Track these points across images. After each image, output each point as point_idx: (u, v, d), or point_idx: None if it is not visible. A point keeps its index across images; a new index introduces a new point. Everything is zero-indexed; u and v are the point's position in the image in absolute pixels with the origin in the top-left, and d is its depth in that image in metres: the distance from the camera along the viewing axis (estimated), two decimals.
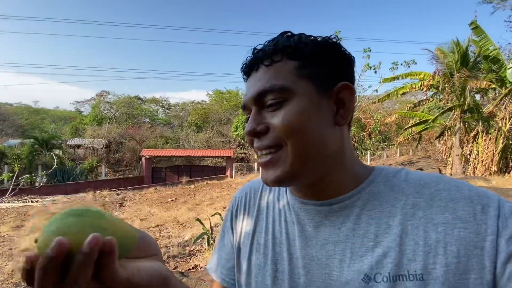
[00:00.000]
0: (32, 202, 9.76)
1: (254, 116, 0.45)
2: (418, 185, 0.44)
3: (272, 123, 0.44)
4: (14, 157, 16.26)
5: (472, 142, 10.89)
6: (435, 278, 0.37)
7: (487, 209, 0.39)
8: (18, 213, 8.05)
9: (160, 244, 5.25)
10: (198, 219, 4.79)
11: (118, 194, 11.34)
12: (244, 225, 0.57)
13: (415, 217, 0.42)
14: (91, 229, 0.27)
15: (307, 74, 0.44)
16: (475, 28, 9.51)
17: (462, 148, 11.05)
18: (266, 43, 0.48)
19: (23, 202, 9.64)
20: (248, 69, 0.49)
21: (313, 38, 0.46)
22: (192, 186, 13.23)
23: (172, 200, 10.31)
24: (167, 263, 4.38)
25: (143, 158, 18.67)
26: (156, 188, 12.93)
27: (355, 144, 18.98)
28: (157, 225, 6.86)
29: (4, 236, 6.06)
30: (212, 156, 20.31)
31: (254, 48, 0.48)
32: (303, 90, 0.44)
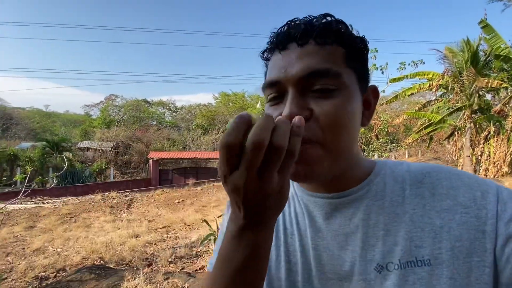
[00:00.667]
0: (43, 203, 9.96)
1: (297, 99, 0.39)
2: (421, 175, 0.45)
3: (317, 111, 0.39)
4: (26, 159, 16.66)
5: (483, 143, 10.66)
6: (441, 262, 0.38)
7: (486, 194, 0.40)
8: (30, 214, 8.23)
9: (167, 245, 5.29)
10: (205, 220, 4.81)
11: (126, 196, 11.47)
12: None
13: (420, 206, 0.43)
14: None
15: (354, 67, 0.42)
16: (485, 26, 9.33)
17: (473, 149, 10.82)
18: (311, 19, 0.43)
19: (35, 203, 9.86)
20: (288, 40, 0.42)
21: (352, 28, 0.45)
22: (199, 188, 13.29)
23: (179, 202, 10.38)
24: (174, 264, 4.41)
25: (150, 161, 18.87)
26: (163, 190, 13.03)
27: (362, 146, 18.80)
28: (164, 226, 6.91)
29: (17, 236, 6.21)
30: (218, 158, 20.28)
31: (292, 20, 0.43)
32: (351, 82, 0.42)
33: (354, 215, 0.45)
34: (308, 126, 0.39)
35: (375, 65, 11.88)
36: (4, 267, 4.38)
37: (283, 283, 0.47)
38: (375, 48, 11.55)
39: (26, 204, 9.46)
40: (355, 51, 0.43)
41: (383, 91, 12.87)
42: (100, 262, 4.50)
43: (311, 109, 0.40)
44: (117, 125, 27.95)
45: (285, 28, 0.43)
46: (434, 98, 12.35)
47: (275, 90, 0.43)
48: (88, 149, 23.17)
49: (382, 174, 0.47)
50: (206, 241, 4.66)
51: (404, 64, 11.85)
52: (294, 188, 0.53)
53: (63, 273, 4.12)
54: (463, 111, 10.48)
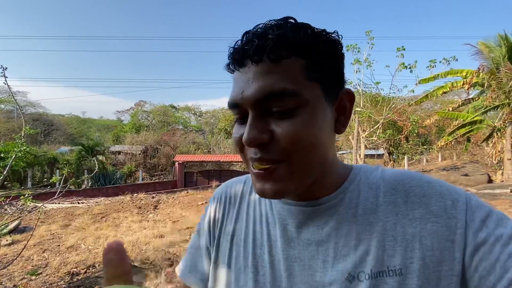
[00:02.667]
0: (78, 203, 10.68)
1: (256, 122, 0.38)
2: (394, 182, 0.45)
3: (278, 133, 0.38)
4: (64, 162, 18.01)
5: None
6: (412, 272, 0.38)
7: (456, 203, 0.40)
8: (66, 213, 8.85)
9: None
10: None
11: (153, 197, 11.94)
12: (223, 226, 0.54)
13: (393, 214, 0.42)
14: None
15: (317, 77, 0.39)
16: None
17: None
18: (267, 29, 0.38)
19: (71, 203, 10.59)
20: (243, 56, 0.39)
21: (320, 31, 0.40)
22: None
23: (202, 204, 10.59)
24: None
25: (176, 163, 19.52)
26: (188, 192, 13.40)
27: (390, 148, 17.94)
28: (188, 228, 7.08)
29: (54, 233, 6.70)
30: (240, 161, 20.54)
31: (248, 32, 0.39)
32: (314, 97, 0.39)
33: (326, 223, 0.44)
34: (271, 148, 0.38)
35: (403, 63, 11.29)
36: (40, 262, 4.73)
37: None
38: (403, 47, 10.95)
39: (63, 204, 10.20)
40: (317, 59, 0.39)
41: (412, 91, 12.14)
42: None
43: (272, 131, 0.38)
44: (146, 130, 29.31)
45: (240, 42, 0.40)
46: (470, 96, 11.48)
47: (237, 112, 0.41)
48: (119, 152, 24.51)
49: (357, 181, 0.46)
50: None
51: (435, 62, 11.07)
52: None
53: (93, 269, 4.37)
54: (503, 110, 9.63)
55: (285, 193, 0.40)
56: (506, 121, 9.54)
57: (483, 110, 9.87)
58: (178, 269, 0.60)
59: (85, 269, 4.40)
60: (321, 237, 0.44)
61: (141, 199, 11.39)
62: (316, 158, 0.40)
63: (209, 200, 0.60)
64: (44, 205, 3.85)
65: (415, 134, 15.36)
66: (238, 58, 0.40)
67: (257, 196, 0.53)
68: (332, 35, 0.41)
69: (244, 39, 0.40)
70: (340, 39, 0.42)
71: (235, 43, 0.41)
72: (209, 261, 0.54)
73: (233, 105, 0.41)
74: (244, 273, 0.48)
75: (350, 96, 0.44)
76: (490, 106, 9.66)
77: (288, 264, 0.45)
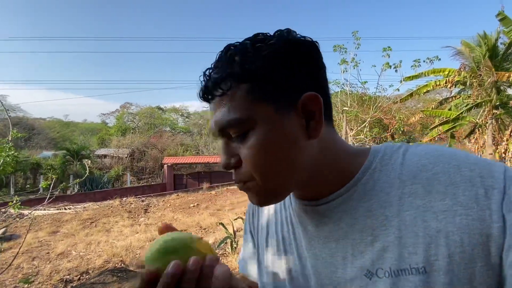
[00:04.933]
0: (65, 209, 10.33)
1: (225, 148, 0.43)
2: (415, 169, 0.40)
3: (242, 156, 0.41)
4: (48, 167, 17.35)
5: (507, 140, 10.20)
6: (437, 269, 0.35)
7: (491, 192, 0.35)
8: (53, 220, 8.55)
9: None
10: (221, 223, 4.84)
11: (143, 201, 11.72)
12: (260, 228, 0.59)
13: (413, 206, 0.38)
14: (189, 250, 0.37)
15: (261, 95, 0.39)
16: (503, 19, 8.98)
17: (496, 146, 10.37)
18: (211, 66, 0.43)
19: (57, 209, 10.23)
20: (204, 94, 0.44)
21: (261, 45, 0.40)
22: (213, 192, 13.39)
23: (194, 206, 10.50)
24: None
25: (165, 166, 19.21)
26: (178, 195, 13.23)
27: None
28: (181, 230, 7.00)
29: (41, 241, 6.46)
30: None
31: (204, 73, 0.43)
32: (262, 116, 0.39)
33: (341, 220, 0.44)
34: (240, 171, 0.42)
35: (388, 63, 11.63)
36: (30, 270, 4.56)
37: None
38: (389, 47, 11.28)
39: (49, 210, 9.84)
40: (261, 78, 0.39)
41: (398, 89, 12.51)
42: (121, 265, 4.61)
43: (239, 155, 0.42)
44: (132, 132, 28.68)
45: (202, 80, 0.44)
46: (451, 95, 11.95)
47: (215, 138, 0.45)
48: (105, 156, 23.88)
49: (372, 170, 0.43)
50: (222, 244, 4.69)
51: (419, 61, 11.52)
52: (290, 198, 0.54)
53: (87, 276, 4.25)
54: (484, 107, 10.09)
55: (268, 202, 0.44)
56: (487, 117, 9.99)
57: (467, 107, 10.29)
58: (239, 260, 0.67)
59: (79, 276, 4.27)
60: (338, 234, 0.44)
61: (131, 203, 11.15)
62: (282, 171, 0.41)
63: (248, 204, 0.65)
64: (32, 212, 3.71)
65: (400, 132, 15.83)
66: (202, 95, 0.45)
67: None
68: (285, 33, 0.42)
69: (202, 78, 0.44)
70: (293, 37, 0.42)
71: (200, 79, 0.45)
72: (255, 258, 0.60)
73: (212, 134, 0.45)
74: (280, 269, 0.51)
75: (314, 99, 0.41)
76: (473, 103, 10.09)
77: (312, 262, 0.46)
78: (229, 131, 0.41)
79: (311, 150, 0.42)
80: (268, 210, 0.58)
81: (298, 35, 0.43)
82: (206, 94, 0.43)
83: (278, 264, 0.52)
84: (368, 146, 0.49)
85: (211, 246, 0.41)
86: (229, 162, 0.42)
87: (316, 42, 0.43)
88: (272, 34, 0.43)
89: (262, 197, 0.43)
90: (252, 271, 0.61)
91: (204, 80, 0.43)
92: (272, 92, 0.40)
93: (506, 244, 0.33)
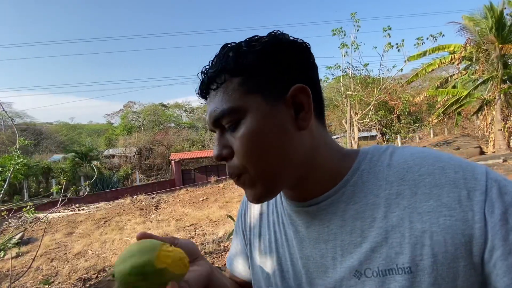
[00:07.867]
0: (78, 210, 10.61)
1: (219, 139, 0.44)
2: (402, 170, 0.41)
3: (234, 147, 0.42)
4: (59, 170, 17.73)
5: None
6: (422, 269, 0.37)
7: (473, 193, 0.36)
8: (68, 221, 8.80)
9: (196, 242, 5.47)
10: (229, 216, 4.90)
11: (153, 198, 11.93)
12: (251, 228, 0.60)
13: (400, 207, 0.40)
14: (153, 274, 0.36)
15: (253, 87, 0.41)
16: None
17: (505, 122, 10.14)
18: (209, 64, 0.45)
19: (71, 211, 10.51)
20: (201, 96, 0.47)
21: (254, 43, 0.43)
22: (221, 185, 13.53)
23: (203, 200, 10.64)
24: None
25: (172, 162, 19.43)
26: (187, 189, 13.41)
27: (383, 129, 18.15)
28: (192, 224, 7.14)
29: (58, 242, 6.68)
30: None
31: (202, 71, 0.46)
32: (253, 106, 0.41)
33: (331, 221, 0.45)
34: (232, 162, 0.43)
35: (389, 43, 11.31)
36: (50, 271, 4.74)
37: None
38: (388, 26, 10.92)
39: (63, 212, 10.12)
40: (253, 71, 0.42)
41: (401, 70, 12.20)
42: None
43: (231, 146, 0.43)
44: (137, 131, 28.96)
45: (200, 77, 0.47)
46: (457, 71, 11.61)
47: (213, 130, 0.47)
48: (113, 156, 24.24)
49: (360, 172, 0.44)
50: (231, 236, 4.76)
51: (422, 39, 11.13)
52: (281, 200, 0.54)
53: (104, 274, 4.40)
54: (491, 82, 9.80)
55: (261, 197, 0.44)
56: (496, 93, 9.72)
57: (475, 84, 10.01)
58: (227, 259, 0.68)
59: (96, 274, 4.43)
60: (327, 235, 0.45)
61: (142, 201, 11.37)
62: (273, 163, 0.41)
63: (240, 203, 0.66)
64: (47, 215, 3.84)
65: (406, 113, 15.56)
66: (199, 91, 0.47)
67: (274, 199, 0.57)
68: (278, 35, 0.44)
69: (201, 75, 0.47)
70: (283, 36, 0.44)
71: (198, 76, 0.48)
72: (247, 259, 0.62)
73: (209, 128, 0.47)
74: (272, 269, 0.53)
75: (303, 91, 0.42)
76: (481, 77, 9.78)
77: (304, 262, 0.47)
78: (222, 121, 0.42)
79: (301, 144, 0.43)
80: (260, 211, 0.59)
81: (291, 37, 0.44)
82: (203, 89, 0.46)
83: (270, 264, 0.53)
84: (356, 148, 0.51)
85: (178, 251, 0.40)
86: (221, 153, 0.43)
87: (308, 43, 0.45)
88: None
89: (257, 190, 0.43)
90: (239, 268, 0.63)
91: (201, 77, 0.46)
92: (263, 84, 0.41)
93: (488, 245, 0.34)
